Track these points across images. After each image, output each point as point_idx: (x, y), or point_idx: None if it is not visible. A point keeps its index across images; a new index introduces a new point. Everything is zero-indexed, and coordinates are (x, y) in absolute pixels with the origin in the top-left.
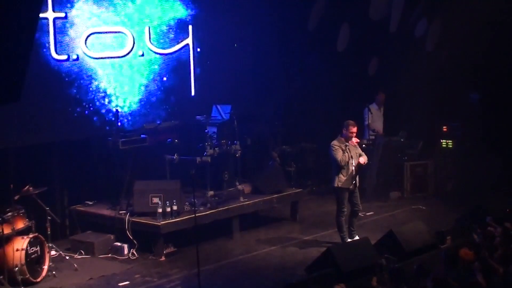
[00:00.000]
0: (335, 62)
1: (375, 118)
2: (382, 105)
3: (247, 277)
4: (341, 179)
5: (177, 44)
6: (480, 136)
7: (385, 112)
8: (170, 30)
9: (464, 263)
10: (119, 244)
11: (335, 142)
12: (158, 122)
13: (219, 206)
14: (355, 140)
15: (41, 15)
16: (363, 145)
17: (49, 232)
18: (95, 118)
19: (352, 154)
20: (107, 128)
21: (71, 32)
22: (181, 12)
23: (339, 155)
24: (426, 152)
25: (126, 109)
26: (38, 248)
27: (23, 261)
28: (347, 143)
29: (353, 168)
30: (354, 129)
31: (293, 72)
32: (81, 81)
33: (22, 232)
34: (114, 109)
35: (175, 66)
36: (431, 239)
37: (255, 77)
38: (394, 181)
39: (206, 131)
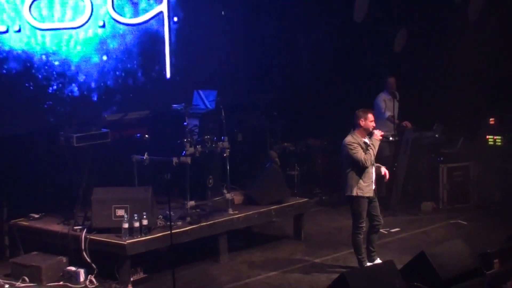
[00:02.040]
0: (352, 35)
1: (390, 109)
2: (394, 94)
3: None
4: (361, 186)
5: (148, 12)
6: None
7: (401, 99)
8: None
9: None
10: (73, 268)
11: (350, 139)
12: (124, 112)
13: (202, 220)
14: (379, 133)
15: None
16: (390, 138)
17: None
18: (42, 107)
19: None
20: (51, 119)
21: None
22: None
23: (361, 154)
24: (468, 151)
25: (82, 95)
26: None
27: None
28: (366, 139)
29: (374, 170)
30: (373, 117)
31: (298, 49)
32: (25, 59)
33: None
34: (67, 95)
35: (145, 41)
36: (474, 263)
37: (248, 56)
38: (426, 188)
39: (185, 124)
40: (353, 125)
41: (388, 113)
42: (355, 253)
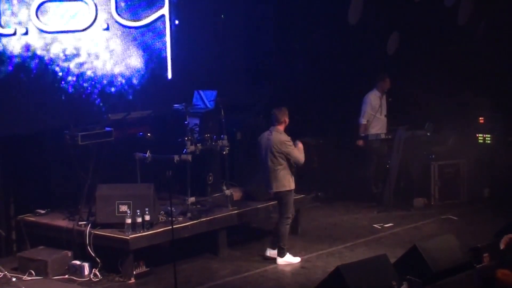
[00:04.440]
0: (346, 38)
1: (382, 107)
2: (385, 93)
3: None
4: (292, 179)
5: (150, 15)
6: None
7: (394, 100)
8: None
9: (503, 286)
10: (78, 262)
11: (285, 138)
12: (127, 111)
13: (202, 216)
14: (300, 144)
15: None
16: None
17: None
18: (48, 108)
19: None
20: (56, 119)
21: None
22: None
23: (300, 153)
24: (459, 149)
25: (86, 95)
26: None
27: None
28: None
29: None
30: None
31: (294, 51)
32: (31, 61)
33: None
34: (72, 96)
35: (147, 42)
36: (464, 257)
37: (247, 57)
38: (418, 185)
39: (186, 123)
40: (273, 122)
41: (363, 121)
42: (279, 241)
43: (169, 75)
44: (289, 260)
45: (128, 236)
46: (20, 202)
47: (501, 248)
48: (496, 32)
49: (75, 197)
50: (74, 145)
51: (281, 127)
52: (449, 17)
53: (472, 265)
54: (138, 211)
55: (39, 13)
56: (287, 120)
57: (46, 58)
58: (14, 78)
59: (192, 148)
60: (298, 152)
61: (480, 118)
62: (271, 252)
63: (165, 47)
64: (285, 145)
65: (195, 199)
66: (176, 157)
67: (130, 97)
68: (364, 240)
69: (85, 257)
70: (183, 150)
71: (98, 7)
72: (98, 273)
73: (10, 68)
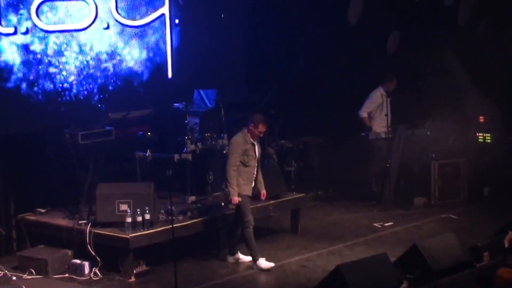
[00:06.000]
0: (346, 37)
1: (381, 108)
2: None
3: None
4: (246, 184)
5: (150, 14)
6: None
7: (394, 99)
8: None
9: (503, 285)
10: (78, 261)
11: (237, 140)
12: (127, 110)
13: (202, 215)
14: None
15: None
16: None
17: None
18: (48, 107)
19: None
20: (57, 118)
21: None
22: None
23: (233, 161)
24: (459, 148)
25: (87, 94)
26: None
27: None
28: (253, 141)
29: (255, 171)
30: (264, 129)
31: (295, 50)
32: (32, 61)
33: None
34: (72, 95)
35: (147, 41)
36: (465, 255)
37: (247, 56)
38: (418, 184)
39: (186, 121)
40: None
41: (363, 114)
42: (247, 247)
43: (169, 74)
44: (261, 265)
45: (128, 235)
46: (21, 201)
47: (506, 246)
48: (496, 31)
49: (75, 196)
50: (74, 144)
51: (247, 132)
52: (449, 16)
53: (472, 264)
54: (138, 210)
55: (39, 12)
56: (254, 129)
57: (46, 57)
58: (14, 77)
59: (192, 147)
60: (229, 160)
61: (480, 117)
62: (240, 256)
63: (165, 46)
64: (230, 146)
65: (195, 198)
66: (176, 156)
67: (130, 96)
68: (364, 239)
69: (85, 256)
70: (183, 149)
71: (99, 6)
72: (98, 272)
73: (10, 66)
